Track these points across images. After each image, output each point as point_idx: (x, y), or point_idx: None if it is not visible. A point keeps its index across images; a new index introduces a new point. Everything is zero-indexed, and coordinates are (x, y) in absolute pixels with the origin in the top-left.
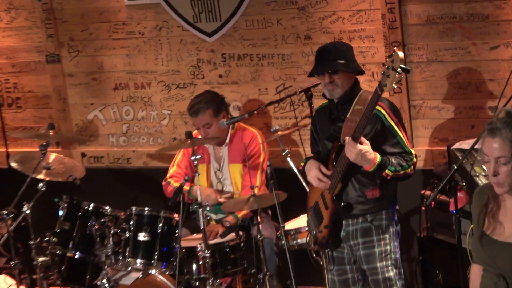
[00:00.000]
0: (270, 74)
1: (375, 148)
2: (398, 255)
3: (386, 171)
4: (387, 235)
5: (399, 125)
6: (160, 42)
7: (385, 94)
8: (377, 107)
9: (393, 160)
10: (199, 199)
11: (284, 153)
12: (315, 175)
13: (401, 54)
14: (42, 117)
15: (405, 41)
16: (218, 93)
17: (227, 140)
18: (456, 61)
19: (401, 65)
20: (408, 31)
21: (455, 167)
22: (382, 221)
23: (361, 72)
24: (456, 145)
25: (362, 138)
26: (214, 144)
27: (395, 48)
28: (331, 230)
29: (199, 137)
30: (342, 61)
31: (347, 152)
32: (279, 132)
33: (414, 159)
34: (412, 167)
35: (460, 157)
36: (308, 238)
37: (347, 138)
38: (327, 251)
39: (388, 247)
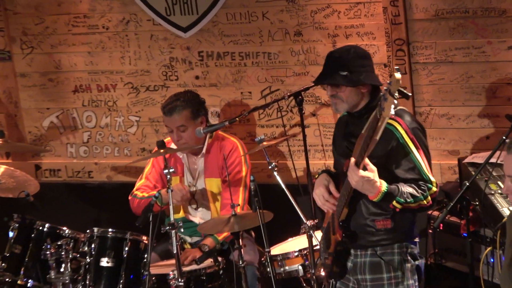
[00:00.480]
0: (254, 76)
1: (387, 171)
2: None
3: (394, 202)
4: (399, 273)
5: (418, 146)
6: (127, 38)
7: None
8: (393, 122)
9: (404, 189)
10: (170, 203)
11: (270, 167)
12: (320, 194)
13: (397, 75)
14: None
15: (410, 39)
16: (198, 95)
17: (204, 150)
18: (468, 62)
19: (399, 88)
20: (414, 28)
21: (467, 184)
22: (394, 256)
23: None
24: (469, 159)
25: (367, 162)
26: (188, 153)
27: (395, 67)
28: (336, 259)
29: (172, 145)
30: (345, 73)
31: (349, 176)
32: (265, 143)
33: (434, 188)
34: (429, 197)
35: (473, 173)
36: (317, 261)
37: (352, 160)
38: (331, 281)
39: (400, 287)
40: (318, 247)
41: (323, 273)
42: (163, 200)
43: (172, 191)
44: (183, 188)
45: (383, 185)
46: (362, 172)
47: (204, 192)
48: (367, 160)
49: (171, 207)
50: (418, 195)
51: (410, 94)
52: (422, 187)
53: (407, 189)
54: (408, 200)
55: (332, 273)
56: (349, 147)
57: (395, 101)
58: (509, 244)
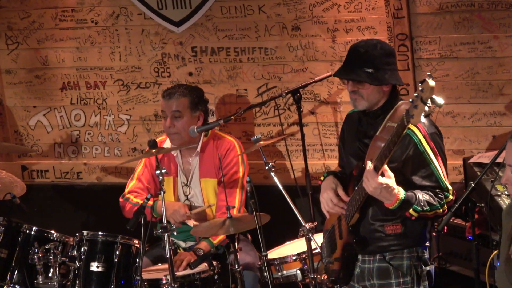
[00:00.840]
0: (250, 72)
1: (402, 177)
2: None
3: (410, 210)
4: (408, 278)
5: (436, 153)
6: (117, 32)
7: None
8: (412, 127)
9: (421, 196)
10: (164, 216)
11: (267, 167)
12: (328, 198)
13: (431, 83)
14: None
15: (413, 33)
16: (204, 94)
17: (198, 149)
18: (474, 58)
19: (433, 96)
20: (417, 22)
21: (473, 184)
22: (403, 261)
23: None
24: (474, 159)
25: (385, 169)
26: (183, 152)
27: (428, 74)
28: (342, 264)
29: (164, 145)
30: (370, 70)
31: (365, 182)
32: (262, 142)
33: (450, 196)
34: (445, 206)
35: (479, 173)
36: (318, 265)
37: (369, 164)
38: (335, 287)
39: None
40: (317, 250)
41: (324, 278)
42: (157, 211)
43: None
44: (184, 213)
45: (401, 193)
46: (380, 179)
47: (199, 193)
48: (385, 166)
49: (163, 205)
50: (435, 203)
51: (443, 102)
52: (439, 195)
53: (424, 196)
54: (425, 208)
55: (338, 279)
56: (361, 148)
57: (426, 109)
58: (505, 239)
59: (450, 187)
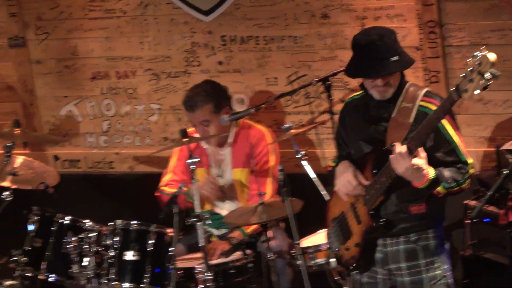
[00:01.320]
0: (279, 61)
1: (426, 154)
2: (450, 280)
3: (439, 188)
4: (436, 258)
5: (455, 127)
6: (146, 22)
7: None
8: (428, 105)
9: (447, 174)
10: (196, 204)
11: (298, 156)
12: (347, 180)
13: (491, 56)
14: (4, 113)
15: (443, 20)
16: (219, 84)
17: (230, 140)
18: (504, 45)
19: (492, 70)
20: (446, 9)
21: (506, 171)
22: (430, 241)
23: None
24: (506, 146)
25: (420, 150)
26: (213, 145)
27: (483, 47)
28: (364, 250)
29: (196, 134)
30: (396, 58)
31: (395, 162)
32: (292, 131)
33: (471, 170)
34: (468, 180)
35: (511, 160)
36: (327, 256)
37: (398, 146)
38: (354, 273)
39: (438, 272)
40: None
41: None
42: (191, 195)
43: (197, 181)
44: (214, 181)
45: (431, 172)
46: (414, 160)
47: (231, 183)
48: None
49: (196, 198)
50: (459, 179)
51: (499, 74)
52: (462, 170)
53: (449, 173)
54: (452, 184)
55: (358, 265)
56: (377, 132)
57: (482, 82)
58: None
59: (469, 160)
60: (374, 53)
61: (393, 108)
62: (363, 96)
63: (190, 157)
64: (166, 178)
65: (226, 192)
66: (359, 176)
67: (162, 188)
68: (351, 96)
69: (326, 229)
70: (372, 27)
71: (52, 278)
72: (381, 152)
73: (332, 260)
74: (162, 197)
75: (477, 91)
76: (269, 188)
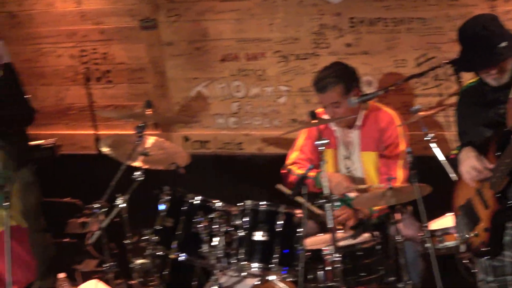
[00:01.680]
0: (408, 43)
1: None
2: None
3: None
4: None
5: None
6: (275, 4)
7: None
8: None
9: None
10: (325, 187)
11: (426, 138)
12: (473, 165)
13: None
14: (136, 94)
15: None
16: (348, 65)
17: (359, 123)
18: None
19: None
20: None
21: None
22: None
23: None
24: None
25: None
26: (342, 126)
27: None
28: (494, 234)
29: (324, 116)
30: (505, 44)
31: None
32: (421, 113)
33: None
34: None
35: None
36: (457, 243)
37: None
38: (483, 259)
39: None
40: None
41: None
42: (319, 179)
43: (326, 163)
44: (347, 185)
45: None
46: None
47: (359, 166)
48: None
49: (324, 185)
50: None
51: None
52: None
53: None
54: None
55: (489, 250)
56: (498, 115)
57: None
58: None
59: None
60: (483, 43)
61: (509, 89)
62: (478, 82)
63: (319, 138)
64: (293, 156)
65: (355, 176)
66: (484, 161)
67: (289, 167)
68: (466, 83)
69: (453, 213)
70: (474, 17)
71: (182, 257)
72: (503, 134)
73: (462, 245)
74: (288, 176)
75: None
76: (399, 172)
